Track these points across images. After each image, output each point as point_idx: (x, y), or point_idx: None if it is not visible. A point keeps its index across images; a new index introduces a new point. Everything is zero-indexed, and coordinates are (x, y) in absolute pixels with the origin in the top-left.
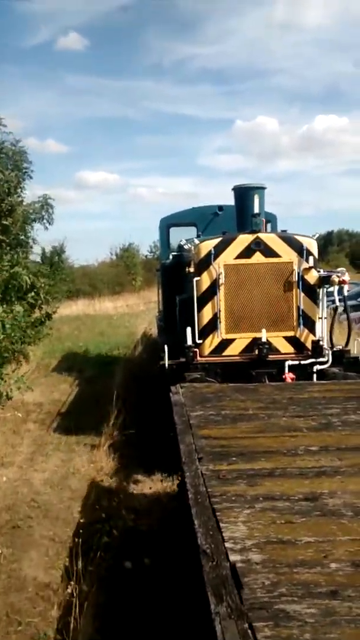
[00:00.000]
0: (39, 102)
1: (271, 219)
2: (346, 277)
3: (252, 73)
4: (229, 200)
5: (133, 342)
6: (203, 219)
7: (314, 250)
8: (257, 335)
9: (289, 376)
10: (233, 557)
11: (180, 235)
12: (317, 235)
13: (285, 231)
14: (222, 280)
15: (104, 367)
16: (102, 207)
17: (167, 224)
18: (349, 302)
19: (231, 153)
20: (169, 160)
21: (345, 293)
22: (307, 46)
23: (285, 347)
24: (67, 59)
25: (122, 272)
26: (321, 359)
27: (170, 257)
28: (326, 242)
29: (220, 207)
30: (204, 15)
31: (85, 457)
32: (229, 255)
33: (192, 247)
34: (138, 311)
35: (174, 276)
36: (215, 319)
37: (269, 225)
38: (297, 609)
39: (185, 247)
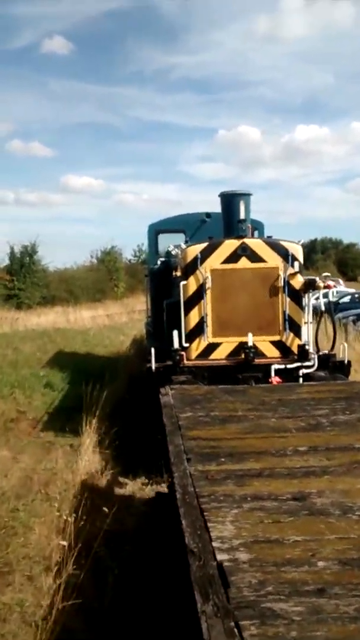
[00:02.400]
0: (23, 104)
1: (258, 226)
2: (331, 282)
3: (235, 83)
4: (213, 207)
5: (117, 374)
6: (191, 226)
7: (300, 255)
8: (243, 339)
9: (275, 380)
10: (220, 556)
11: (169, 242)
12: (302, 241)
13: (270, 237)
14: (208, 285)
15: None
16: (87, 212)
17: (156, 230)
18: (356, 311)
19: (214, 161)
20: (152, 167)
21: (331, 298)
22: (288, 58)
23: (271, 351)
24: (52, 63)
25: (103, 277)
26: (307, 363)
27: (159, 262)
28: (310, 250)
29: (208, 214)
30: (187, 26)
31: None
32: (216, 260)
33: (179, 252)
34: (120, 323)
35: (162, 281)
36: (201, 323)
37: (256, 233)
38: (283, 607)
39: (173, 252)
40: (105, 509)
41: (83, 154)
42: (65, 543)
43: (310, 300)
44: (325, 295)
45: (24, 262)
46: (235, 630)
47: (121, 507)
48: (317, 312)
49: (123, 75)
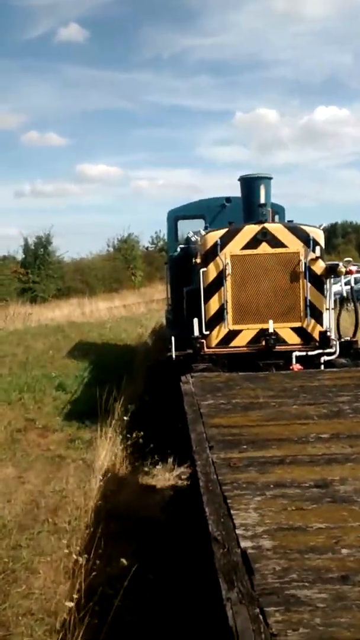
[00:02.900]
0: (38, 95)
1: (279, 210)
2: (353, 267)
3: (252, 64)
4: (231, 191)
5: (135, 371)
6: (211, 211)
7: (321, 240)
8: (264, 326)
9: (296, 367)
10: (244, 544)
11: (189, 228)
12: (323, 226)
13: (291, 221)
14: (228, 271)
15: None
16: (103, 201)
17: (175, 216)
18: None
19: (231, 145)
20: (168, 152)
21: (353, 283)
22: (307, 37)
23: (293, 338)
24: (66, 51)
25: (119, 266)
26: (329, 350)
27: (178, 249)
28: (330, 234)
29: (228, 199)
30: (204, 7)
31: None
32: (236, 246)
33: (199, 239)
34: (138, 314)
35: (182, 268)
36: (222, 310)
37: (277, 217)
38: (308, 594)
39: (193, 238)
40: (124, 561)
41: (98, 142)
42: (71, 605)
43: (332, 285)
44: (348, 282)
45: (38, 254)
46: (260, 616)
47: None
48: (339, 298)
49: (139, 60)
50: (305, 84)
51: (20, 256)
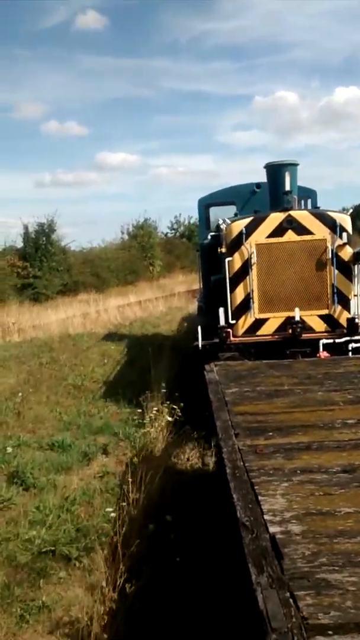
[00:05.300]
0: (57, 84)
1: (311, 195)
2: None
3: (270, 47)
4: (253, 177)
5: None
6: (241, 197)
7: (348, 226)
8: (290, 314)
9: (323, 355)
10: (272, 529)
11: (220, 215)
12: (350, 211)
13: (318, 207)
14: (254, 260)
15: None
16: (124, 189)
17: (206, 203)
18: None
19: (250, 129)
20: (187, 138)
21: None
22: (326, 17)
23: (320, 326)
24: (84, 39)
25: (135, 255)
26: (356, 337)
27: (209, 237)
28: (354, 218)
29: (258, 185)
30: None
31: None
32: (261, 234)
33: (225, 228)
34: (156, 314)
35: (212, 256)
36: (248, 299)
37: (309, 202)
38: (338, 577)
39: (222, 226)
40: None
41: (117, 130)
42: None
43: None
44: None
45: (39, 244)
46: (291, 600)
47: None
48: None
49: (157, 46)
50: (324, 65)
51: (21, 246)
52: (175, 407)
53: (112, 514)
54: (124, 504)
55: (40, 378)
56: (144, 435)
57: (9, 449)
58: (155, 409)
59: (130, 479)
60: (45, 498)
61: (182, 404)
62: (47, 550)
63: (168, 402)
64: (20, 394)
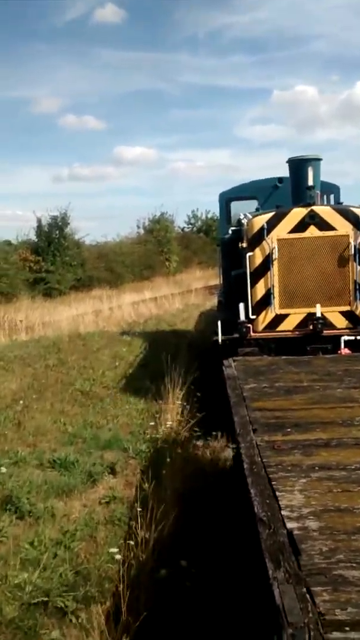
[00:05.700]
0: (75, 78)
1: (334, 190)
2: None
3: (290, 40)
4: (271, 171)
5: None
6: (263, 192)
7: None
8: (311, 310)
9: (344, 351)
10: (290, 525)
11: (242, 209)
12: None
13: (341, 203)
14: (275, 255)
15: None
16: (141, 183)
17: (227, 198)
18: None
19: (269, 124)
20: (205, 133)
21: None
22: (346, 8)
23: (341, 322)
24: (102, 33)
25: (151, 250)
26: None
27: (230, 231)
28: None
29: (280, 179)
30: None
31: None
32: (283, 230)
33: (246, 222)
34: (172, 312)
35: (232, 251)
36: (268, 294)
37: (332, 197)
38: (355, 574)
39: (243, 221)
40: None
41: (135, 124)
42: None
43: None
44: None
45: (51, 238)
46: (307, 596)
47: None
48: None
49: (175, 40)
50: (344, 58)
51: (34, 240)
52: (190, 420)
53: (117, 556)
54: (131, 542)
55: (46, 383)
56: (157, 453)
57: (3, 469)
58: (170, 422)
59: (139, 509)
60: (41, 530)
61: (198, 414)
62: (39, 602)
63: (183, 414)
64: (22, 401)
